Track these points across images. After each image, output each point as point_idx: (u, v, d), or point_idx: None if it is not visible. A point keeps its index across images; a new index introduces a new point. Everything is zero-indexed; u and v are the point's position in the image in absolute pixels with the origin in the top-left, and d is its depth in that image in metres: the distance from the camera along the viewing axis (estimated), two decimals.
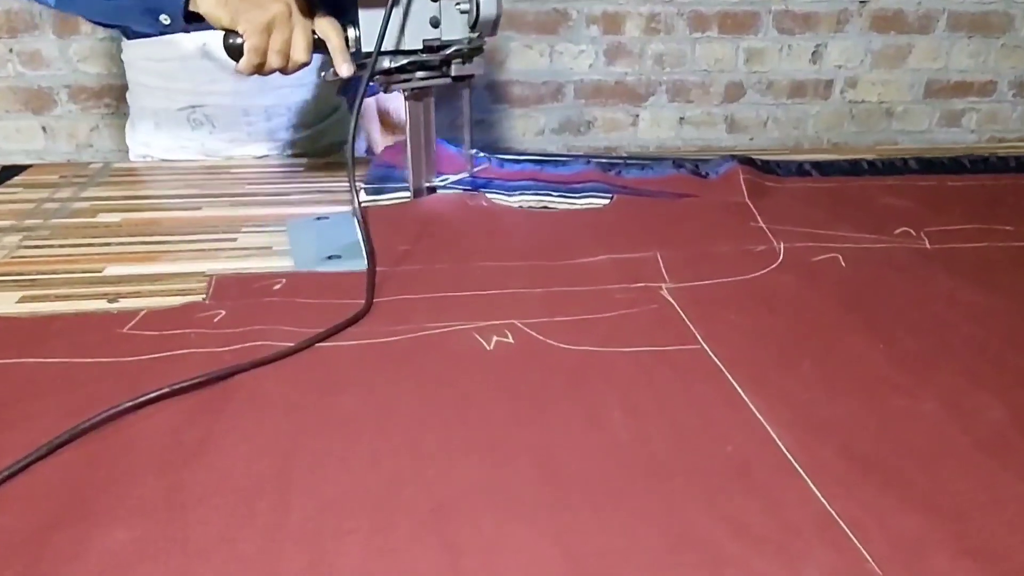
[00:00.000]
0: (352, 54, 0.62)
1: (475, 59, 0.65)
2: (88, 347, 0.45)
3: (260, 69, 0.61)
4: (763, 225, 0.66)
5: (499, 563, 0.31)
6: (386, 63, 0.62)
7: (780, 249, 0.62)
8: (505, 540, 0.32)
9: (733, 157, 0.82)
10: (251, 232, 0.66)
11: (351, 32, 0.62)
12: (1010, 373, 0.45)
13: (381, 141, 1.03)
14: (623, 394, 0.42)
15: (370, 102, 1.02)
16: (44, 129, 1.43)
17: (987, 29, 1.53)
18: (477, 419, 0.40)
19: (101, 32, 1.33)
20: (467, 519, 0.33)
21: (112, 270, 0.58)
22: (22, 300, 0.53)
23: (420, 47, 0.62)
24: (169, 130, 0.88)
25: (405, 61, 0.62)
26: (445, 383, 0.43)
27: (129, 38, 0.85)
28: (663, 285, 0.55)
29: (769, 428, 0.39)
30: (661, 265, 0.58)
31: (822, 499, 0.34)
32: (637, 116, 1.58)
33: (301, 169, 0.85)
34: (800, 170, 0.83)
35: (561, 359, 0.46)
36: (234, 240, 0.64)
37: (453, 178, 0.73)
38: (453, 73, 0.64)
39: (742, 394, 0.42)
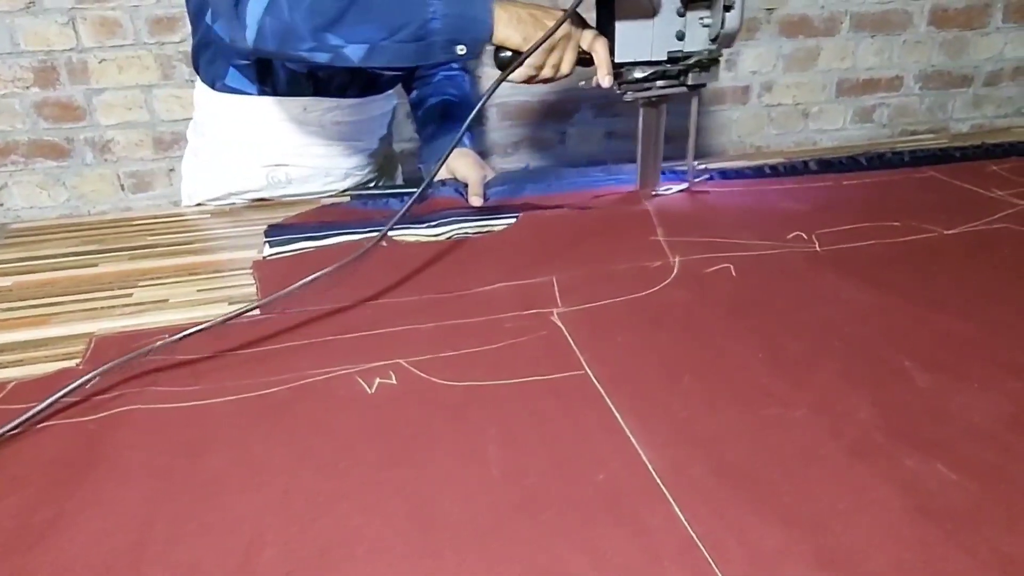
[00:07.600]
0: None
1: (711, 69, 0.70)
2: None
3: (530, 80, 0.68)
4: (661, 239, 0.67)
5: None
6: (637, 74, 0.68)
7: (675, 263, 0.62)
8: None
9: None
10: (148, 286, 0.64)
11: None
12: (883, 370, 0.46)
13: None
14: (502, 428, 0.42)
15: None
16: None
17: (889, 27, 1.59)
18: (350, 467, 0.39)
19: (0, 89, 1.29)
20: None
21: None
22: None
23: (665, 58, 0.68)
24: (241, 183, 0.88)
25: (652, 71, 0.67)
26: (320, 433, 0.42)
27: (216, 89, 0.84)
28: (554, 310, 0.55)
29: (642, 452, 0.39)
30: (556, 289, 0.58)
31: (685, 522, 0.34)
32: (564, 133, 1.60)
33: (208, 216, 0.83)
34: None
35: (444, 396, 0.45)
36: (129, 296, 0.63)
37: (675, 188, 0.79)
38: (690, 82, 0.69)
39: (619, 419, 0.42)
